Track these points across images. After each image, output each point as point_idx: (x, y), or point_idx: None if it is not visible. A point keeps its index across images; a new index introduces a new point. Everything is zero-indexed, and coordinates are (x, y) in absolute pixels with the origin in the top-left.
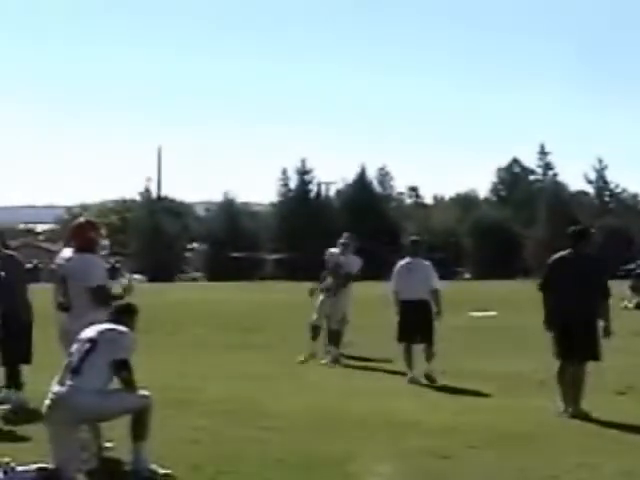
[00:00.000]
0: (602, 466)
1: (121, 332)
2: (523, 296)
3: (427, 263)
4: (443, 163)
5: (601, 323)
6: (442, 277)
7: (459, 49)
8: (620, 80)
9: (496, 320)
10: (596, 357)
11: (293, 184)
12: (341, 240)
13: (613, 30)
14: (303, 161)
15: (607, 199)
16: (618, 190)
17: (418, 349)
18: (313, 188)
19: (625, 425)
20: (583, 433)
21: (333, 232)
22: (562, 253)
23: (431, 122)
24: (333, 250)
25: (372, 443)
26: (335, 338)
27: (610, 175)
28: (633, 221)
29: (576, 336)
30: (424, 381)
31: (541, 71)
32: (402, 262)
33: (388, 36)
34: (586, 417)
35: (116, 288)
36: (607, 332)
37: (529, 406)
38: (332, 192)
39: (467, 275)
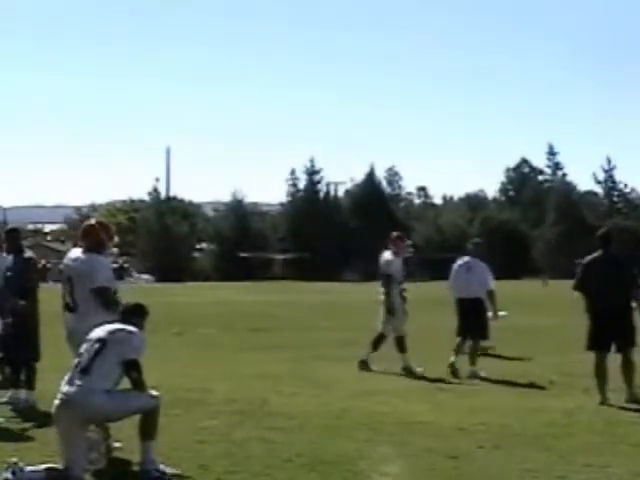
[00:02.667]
0: (611, 466)
1: (131, 332)
2: (532, 296)
3: (483, 265)
4: (452, 163)
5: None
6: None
7: (468, 49)
8: (630, 79)
9: (505, 320)
10: (633, 343)
11: (302, 184)
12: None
13: (623, 29)
14: (312, 161)
15: (616, 199)
16: (627, 190)
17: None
18: (322, 188)
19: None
20: (592, 433)
21: (342, 232)
22: (594, 255)
23: (440, 122)
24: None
25: (381, 443)
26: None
27: (619, 175)
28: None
29: (613, 329)
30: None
31: (550, 71)
32: (460, 262)
33: (396, 35)
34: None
35: (124, 287)
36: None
37: (538, 406)
38: (341, 192)
39: None
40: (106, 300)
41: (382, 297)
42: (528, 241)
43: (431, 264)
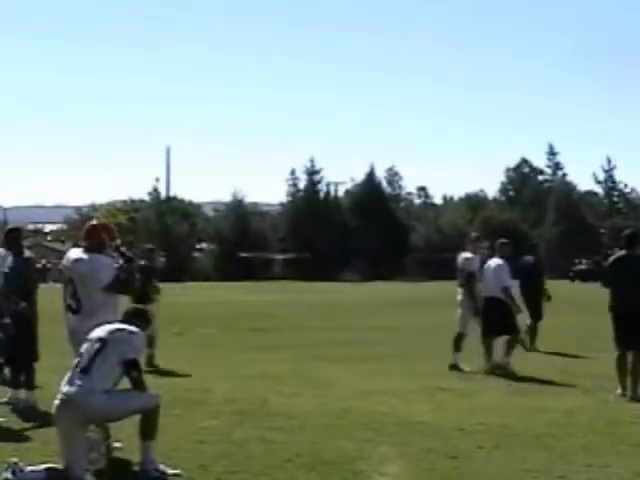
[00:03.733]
0: (611, 466)
1: (131, 332)
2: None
3: (500, 263)
4: (452, 163)
5: None
6: (453, 277)
7: (468, 49)
8: (630, 79)
9: None
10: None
11: (302, 184)
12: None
13: (623, 29)
14: (312, 161)
15: (616, 199)
16: (627, 190)
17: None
18: (322, 188)
19: (638, 423)
20: (592, 433)
21: (342, 232)
22: (619, 254)
23: (440, 122)
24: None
25: (380, 443)
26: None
27: (619, 175)
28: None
29: (632, 328)
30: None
31: (550, 71)
32: (489, 261)
33: (396, 35)
34: None
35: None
36: None
37: (538, 406)
38: (341, 192)
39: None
40: (123, 286)
41: (460, 297)
42: (528, 241)
43: (431, 264)
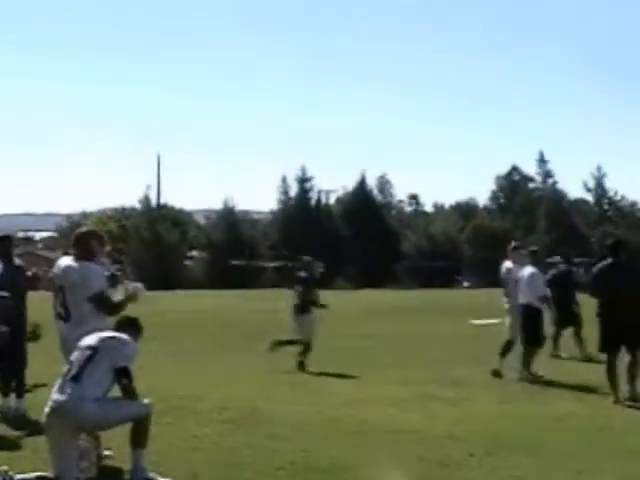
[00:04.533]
0: (603, 472)
1: (122, 340)
2: None
3: (534, 272)
4: (443, 171)
5: None
6: (444, 285)
7: (458, 58)
8: (621, 86)
9: (499, 327)
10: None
11: (293, 192)
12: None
13: (615, 36)
14: (303, 169)
15: (606, 207)
16: (617, 198)
17: None
18: (313, 196)
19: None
20: (584, 439)
21: (333, 240)
22: (605, 262)
23: (431, 130)
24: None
25: (372, 451)
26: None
27: (609, 183)
28: (632, 228)
29: (624, 332)
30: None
31: (541, 78)
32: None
33: (386, 42)
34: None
35: (117, 295)
36: None
37: (529, 412)
38: (332, 200)
39: (466, 283)
40: (105, 305)
41: (507, 305)
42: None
43: (421, 272)
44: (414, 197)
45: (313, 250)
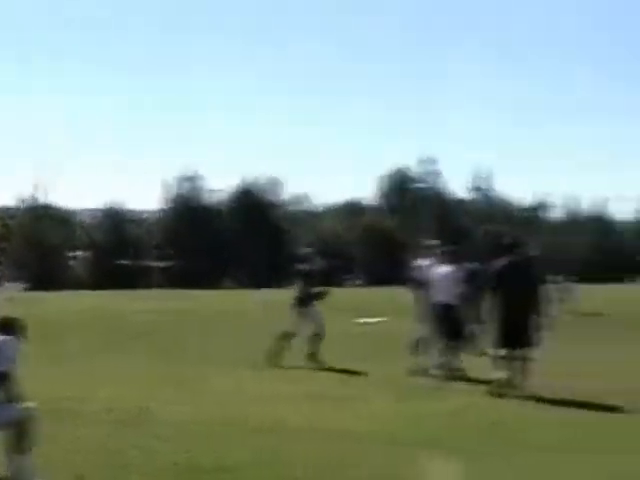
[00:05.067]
0: (495, 464)
1: (2, 342)
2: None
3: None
4: (332, 170)
5: (538, 316)
6: (334, 284)
7: (343, 57)
8: (506, 86)
9: (387, 325)
10: (531, 344)
11: (180, 191)
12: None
13: (501, 37)
14: (191, 168)
15: (491, 206)
16: (501, 197)
17: None
18: (200, 195)
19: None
20: (478, 433)
21: (221, 239)
22: (503, 260)
23: (320, 130)
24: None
25: (262, 450)
26: None
27: (493, 183)
28: (516, 227)
29: (516, 328)
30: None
31: (426, 78)
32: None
33: (265, 43)
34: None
35: None
36: (542, 324)
37: (425, 409)
38: (220, 199)
39: (358, 282)
40: None
41: (420, 304)
42: (407, 248)
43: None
44: (303, 196)
45: (201, 250)
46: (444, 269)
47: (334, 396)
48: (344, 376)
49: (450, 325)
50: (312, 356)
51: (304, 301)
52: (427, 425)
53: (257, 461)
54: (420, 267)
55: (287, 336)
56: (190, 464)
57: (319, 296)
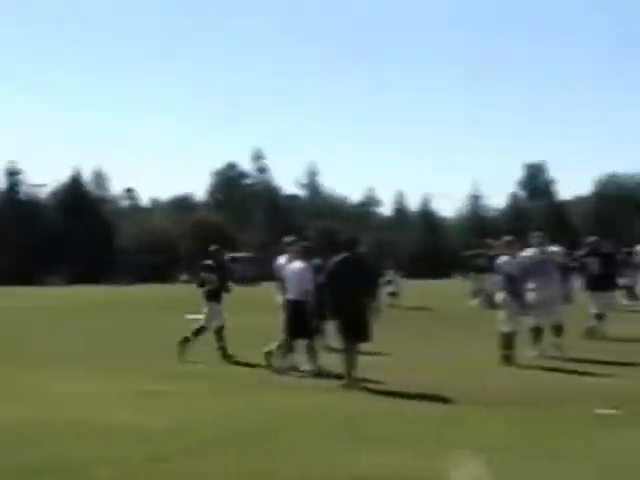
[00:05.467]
0: (352, 461)
1: None
2: (247, 298)
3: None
4: (160, 165)
5: (372, 310)
6: (160, 280)
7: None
8: (334, 83)
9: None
10: (367, 339)
11: (1, 185)
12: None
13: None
14: (12, 162)
15: (319, 202)
16: (328, 193)
17: None
18: (23, 190)
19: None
20: (332, 429)
21: (46, 235)
22: (340, 256)
23: (147, 123)
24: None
25: (88, 449)
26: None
27: (321, 179)
28: (343, 222)
29: (354, 323)
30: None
31: (263, 77)
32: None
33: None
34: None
35: None
36: (375, 317)
37: (250, 405)
38: (44, 194)
39: (184, 277)
40: None
41: (280, 300)
42: (237, 244)
43: (139, 266)
44: (130, 191)
45: (24, 246)
46: (296, 265)
47: (160, 392)
48: (172, 373)
49: (298, 322)
50: (223, 350)
51: (217, 295)
52: (250, 420)
53: (88, 459)
54: (280, 264)
55: (200, 331)
56: (20, 466)
57: (227, 290)
